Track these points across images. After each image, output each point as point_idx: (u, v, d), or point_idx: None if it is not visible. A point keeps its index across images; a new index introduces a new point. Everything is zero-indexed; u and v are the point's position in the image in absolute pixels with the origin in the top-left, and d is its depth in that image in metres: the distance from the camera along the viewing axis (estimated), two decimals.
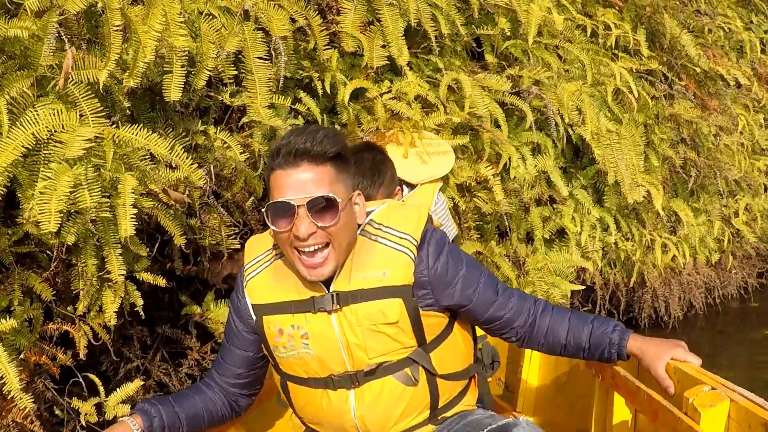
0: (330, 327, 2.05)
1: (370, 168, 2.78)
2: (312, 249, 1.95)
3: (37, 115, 2.34)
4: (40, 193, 2.31)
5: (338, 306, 2.03)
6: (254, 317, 2.15)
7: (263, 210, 2.00)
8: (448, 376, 2.18)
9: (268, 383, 2.43)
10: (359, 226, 2.09)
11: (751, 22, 7.49)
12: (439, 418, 2.20)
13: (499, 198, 4.15)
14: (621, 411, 2.54)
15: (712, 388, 2.01)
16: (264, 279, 2.14)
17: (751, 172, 6.54)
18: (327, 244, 1.97)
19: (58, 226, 2.33)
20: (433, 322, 2.13)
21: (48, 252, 2.83)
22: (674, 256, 5.46)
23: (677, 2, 5.85)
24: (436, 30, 3.86)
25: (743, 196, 6.56)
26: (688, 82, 5.47)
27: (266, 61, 3.15)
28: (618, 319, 5.60)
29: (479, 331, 3.58)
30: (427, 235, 2.10)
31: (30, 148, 2.32)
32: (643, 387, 2.25)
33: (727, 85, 6.01)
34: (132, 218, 2.47)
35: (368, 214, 2.13)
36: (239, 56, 3.13)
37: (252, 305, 2.15)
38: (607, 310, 5.65)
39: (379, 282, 2.03)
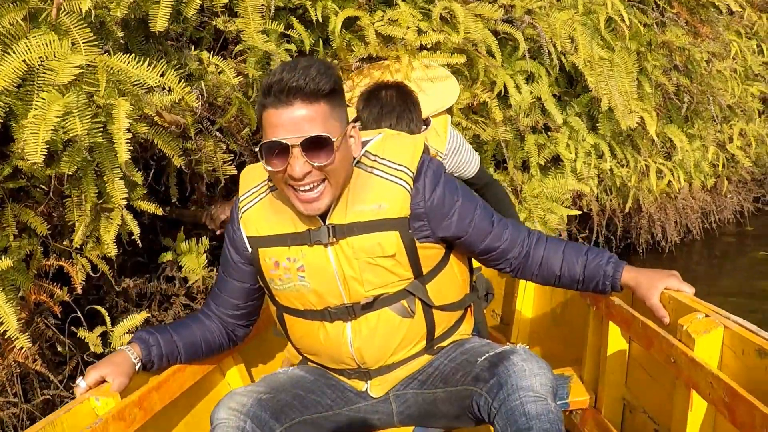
0: (326, 260, 2.03)
1: (403, 100, 2.85)
2: (308, 187, 1.93)
3: (30, 44, 2.36)
4: (32, 123, 2.32)
5: (334, 239, 2.00)
6: (250, 249, 2.13)
7: (257, 149, 1.94)
8: (444, 307, 2.19)
9: (265, 314, 2.43)
10: (355, 159, 2.06)
11: None
12: (435, 347, 2.22)
13: (498, 119, 4.25)
14: (616, 340, 2.53)
15: (706, 316, 2.02)
16: (260, 211, 2.11)
17: (744, 98, 6.57)
18: (323, 180, 1.94)
19: (44, 156, 2.31)
20: (430, 253, 2.12)
21: (42, 187, 2.90)
22: (670, 181, 5.54)
23: None
24: None
25: (737, 122, 6.60)
26: (680, 10, 5.50)
27: None
28: (616, 245, 5.79)
29: (475, 263, 3.70)
30: (424, 166, 2.08)
31: (23, 77, 2.34)
32: (638, 315, 2.26)
33: (719, 11, 6.03)
34: (127, 143, 2.48)
35: (364, 144, 2.11)
36: None
37: (247, 237, 2.12)
38: (604, 236, 5.75)
39: (376, 215, 2.01)
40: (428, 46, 3.79)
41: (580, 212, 5.10)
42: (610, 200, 5.47)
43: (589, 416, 2.61)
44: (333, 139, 1.89)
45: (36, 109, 2.35)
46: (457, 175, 3.25)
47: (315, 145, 1.87)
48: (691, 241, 6.56)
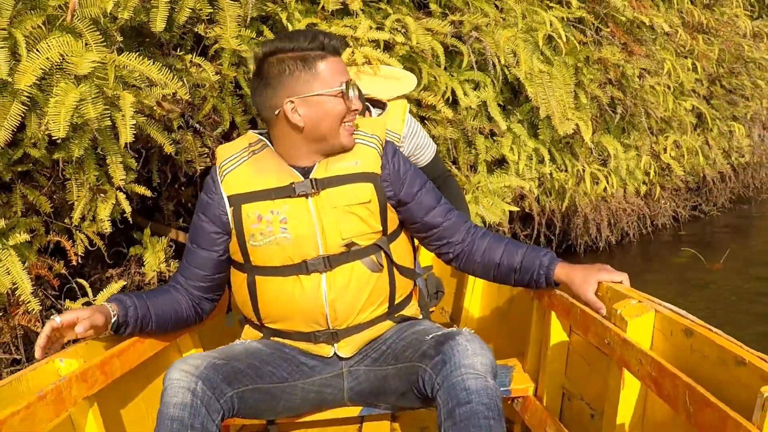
0: (307, 210, 2.18)
1: None
2: (352, 125, 2.26)
3: (50, 44, 2.85)
4: (53, 107, 2.82)
5: (316, 190, 2.17)
6: (229, 210, 2.23)
7: (345, 87, 2.21)
8: (401, 269, 2.32)
9: (221, 304, 2.52)
10: None
11: None
12: (395, 315, 2.34)
13: (449, 116, 4.74)
14: (557, 331, 2.59)
15: (639, 302, 2.10)
16: (243, 171, 2.24)
17: (678, 112, 7.11)
18: None
19: (66, 133, 2.82)
20: (392, 216, 2.31)
21: (45, 172, 3.36)
22: (605, 186, 6.08)
23: None
24: None
25: (672, 134, 7.13)
26: (615, 29, 6.04)
27: (235, 2, 3.69)
28: (556, 244, 6.27)
29: (425, 262, 3.89)
30: (393, 145, 2.37)
31: (45, 71, 2.82)
32: (576, 303, 2.32)
33: (653, 32, 6.60)
34: (132, 127, 2.99)
35: None
36: None
37: (228, 197, 2.23)
38: (545, 235, 6.23)
39: (353, 169, 2.23)
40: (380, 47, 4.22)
41: (520, 209, 5.59)
42: (550, 202, 5.96)
43: (529, 404, 2.67)
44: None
45: (56, 96, 2.84)
46: (413, 161, 3.32)
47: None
48: (628, 242, 7.07)
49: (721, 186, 8.62)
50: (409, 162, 2.37)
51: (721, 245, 7.10)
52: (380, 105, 3.36)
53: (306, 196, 2.18)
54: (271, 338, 2.33)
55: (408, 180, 2.31)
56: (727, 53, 8.19)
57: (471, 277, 3.56)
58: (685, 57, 7.49)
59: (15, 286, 2.97)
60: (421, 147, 3.38)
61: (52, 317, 2.02)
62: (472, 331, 2.06)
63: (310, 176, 2.20)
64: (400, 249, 2.35)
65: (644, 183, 6.84)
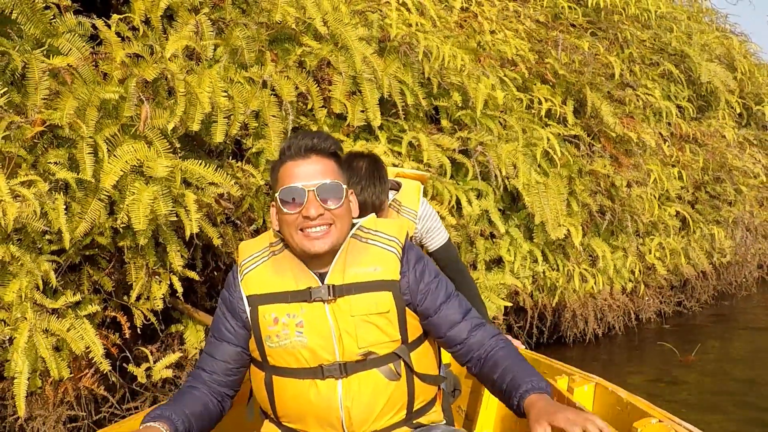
0: (324, 316, 2.12)
1: (372, 172, 2.93)
2: (317, 230, 2.11)
3: (126, 150, 3.51)
4: (129, 205, 3.48)
5: (333, 297, 2.12)
6: (248, 309, 2.20)
7: (276, 196, 2.14)
8: (423, 377, 2.25)
9: (240, 398, 2.44)
10: (353, 218, 2.26)
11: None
12: (413, 422, 2.27)
13: (452, 223, 5.29)
14: None
15: (660, 421, 2.06)
16: (262, 272, 2.22)
17: (663, 216, 7.73)
18: (330, 225, 2.13)
19: (145, 225, 3.47)
20: (414, 323, 2.22)
21: (106, 256, 3.93)
22: (593, 284, 6.65)
23: (603, 77, 7.15)
24: (403, 101, 5.08)
25: (657, 236, 7.75)
26: (606, 144, 6.71)
27: (277, 118, 4.34)
28: (547, 335, 6.80)
29: (443, 359, 4.03)
30: (408, 243, 2.26)
31: (124, 173, 3.47)
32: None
33: (642, 146, 7.26)
34: (197, 220, 3.65)
35: (353, 225, 2.28)
36: (258, 113, 4.30)
37: (247, 297, 2.20)
38: (537, 327, 6.75)
39: (372, 276, 2.15)
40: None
41: (513, 304, 6.13)
42: (542, 297, 6.50)
43: None
44: (344, 186, 2.16)
45: (131, 194, 3.48)
46: (425, 244, 3.41)
47: (328, 190, 2.12)
48: (614, 335, 7.56)
49: (703, 283, 9.15)
50: (434, 271, 2.27)
51: (699, 339, 7.60)
52: (394, 186, 3.33)
53: (323, 301, 2.14)
54: None
55: (431, 292, 2.22)
56: (711, 162, 8.84)
57: None
58: (673, 166, 8.16)
59: (88, 349, 3.51)
60: (434, 230, 3.37)
61: None
62: None
63: (327, 281, 2.15)
64: (424, 357, 2.29)
65: (630, 281, 7.39)
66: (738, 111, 10.73)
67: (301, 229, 2.12)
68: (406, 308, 2.20)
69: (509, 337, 3.06)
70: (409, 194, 3.32)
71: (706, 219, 8.91)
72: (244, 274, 2.23)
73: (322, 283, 2.15)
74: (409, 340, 2.23)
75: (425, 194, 4.99)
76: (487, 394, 3.47)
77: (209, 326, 3.90)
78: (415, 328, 2.24)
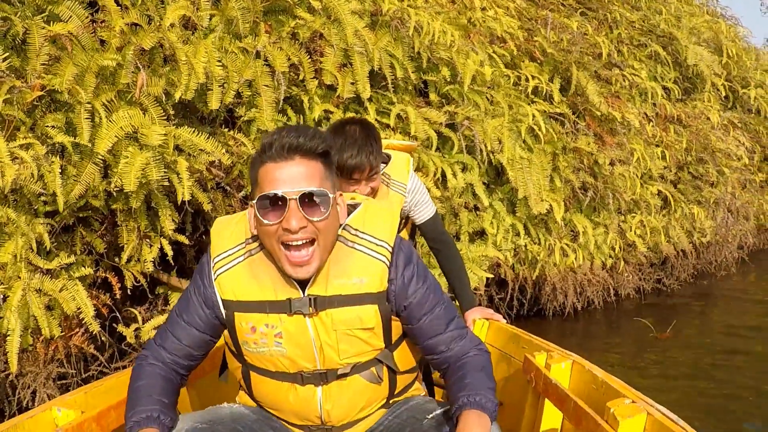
0: (305, 329, 1.99)
1: (366, 135, 2.86)
2: (299, 243, 1.88)
3: (122, 116, 3.63)
4: (122, 168, 3.60)
5: (314, 310, 1.97)
6: (224, 311, 2.05)
7: (252, 203, 1.93)
8: (404, 372, 2.19)
9: (212, 359, 2.40)
10: (340, 225, 2.03)
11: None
12: (390, 402, 2.22)
13: (437, 195, 5.43)
14: (550, 417, 2.57)
15: (632, 401, 2.06)
16: (238, 275, 2.03)
17: (644, 195, 7.91)
18: (313, 241, 1.90)
19: (136, 188, 3.60)
20: (398, 325, 2.11)
21: (99, 218, 4.05)
22: (575, 259, 6.82)
23: (591, 57, 7.27)
24: (392, 74, 5.19)
25: (639, 214, 7.93)
26: (591, 122, 6.86)
27: (269, 87, 4.45)
28: (527, 307, 6.97)
29: None
30: (398, 242, 2.07)
31: (118, 138, 3.59)
32: (571, 395, 2.30)
33: (626, 125, 7.41)
34: (189, 186, 3.78)
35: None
36: (251, 83, 4.42)
37: (223, 300, 2.04)
38: (518, 299, 6.94)
39: (357, 289, 1.99)
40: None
41: (493, 275, 6.30)
42: (523, 270, 6.67)
43: None
44: (330, 195, 1.91)
45: (125, 158, 3.61)
46: (412, 217, 3.35)
47: (312, 200, 1.87)
48: (593, 309, 7.76)
49: (683, 262, 9.34)
50: (422, 275, 2.10)
51: (676, 316, 7.80)
52: (384, 159, 3.25)
53: (304, 315, 1.99)
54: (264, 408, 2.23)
55: (416, 301, 2.06)
56: (694, 143, 9.00)
57: None
58: (656, 145, 8.32)
59: (79, 310, 3.66)
60: (422, 203, 3.30)
61: None
62: None
63: (308, 292, 1.98)
64: (405, 352, 2.20)
65: (610, 257, 7.57)
66: (724, 94, 10.91)
67: (283, 243, 1.90)
68: (391, 317, 2.08)
69: (491, 312, 3.26)
70: (398, 167, 3.24)
71: (688, 199, 9.08)
72: (219, 274, 2.04)
73: (304, 293, 1.98)
74: (392, 342, 2.14)
75: (413, 165, 5.17)
76: None
77: None
78: (398, 329, 2.13)
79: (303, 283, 1.98)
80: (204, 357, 2.18)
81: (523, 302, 7.07)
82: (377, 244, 2.02)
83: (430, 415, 2.02)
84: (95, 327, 3.72)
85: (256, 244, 2.04)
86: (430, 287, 2.10)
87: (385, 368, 2.12)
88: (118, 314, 4.18)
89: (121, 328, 4.10)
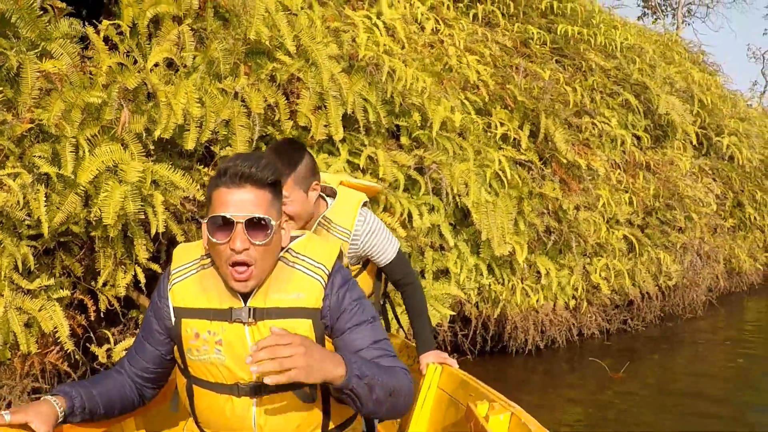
0: (243, 337, 2.13)
1: (286, 153, 2.88)
2: (241, 270, 2.08)
3: (104, 151, 3.91)
4: (102, 201, 3.86)
5: (253, 320, 2.13)
6: (173, 319, 2.22)
7: (204, 222, 2.10)
8: (339, 398, 2.16)
9: (169, 387, 2.51)
10: (282, 248, 2.21)
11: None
12: None
13: (402, 235, 5.68)
14: None
15: None
16: (189, 285, 2.21)
17: (610, 239, 8.21)
18: (251, 265, 2.09)
19: (114, 221, 3.86)
20: (331, 347, 2.21)
21: (78, 243, 4.28)
22: (538, 299, 7.09)
23: (562, 104, 7.59)
24: (365, 117, 5.48)
25: (604, 257, 8.21)
26: (557, 169, 7.16)
27: (245, 127, 4.70)
28: (491, 345, 7.22)
29: None
30: (336, 267, 2.23)
31: (99, 171, 3.86)
32: None
33: (592, 172, 7.72)
34: (163, 219, 4.04)
35: (291, 239, 2.27)
36: (228, 122, 4.67)
37: (174, 307, 2.21)
38: (481, 336, 7.16)
39: (293, 303, 2.14)
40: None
41: (455, 313, 6.54)
42: (487, 308, 6.91)
43: None
44: (273, 222, 2.09)
45: (105, 192, 3.87)
46: (374, 259, 3.31)
47: (257, 225, 2.06)
48: (556, 348, 8.00)
49: (648, 304, 9.60)
50: (357, 294, 2.24)
51: (636, 357, 8.06)
52: (331, 193, 3.24)
53: (243, 323, 2.14)
54: None
55: (345, 313, 2.20)
56: (662, 189, 9.31)
57: (423, 393, 3.49)
58: (624, 191, 8.62)
59: (55, 329, 3.90)
60: (380, 245, 3.24)
61: (2, 413, 2.04)
62: None
63: (249, 303, 2.15)
64: None
65: (573, 298, 7.83)
66: (697, 141, 11.24)
67: (227, 260, 2.09)
68: (325, 336, 2.19)
69: (446, 357, 3.24)
70: (343, 210, 3.18)
71: (655, 243, 9.35)
72: (173, 284, 2.24)
73: (245, 304, 2.15)
74: None
75: (380, 205, 5.34)
76: (418, 409, 3.49)
77: None
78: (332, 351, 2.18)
79: (246, 296, 2.15)
80: (163, 376, 2.39)
81: (486, 339, 7.28)
82: (315, 266, 2.19)
83: None
84: (70, 345, 3.96)
85: (209, 260, 2.23)
86: (363, 306, 2.22)
87: (318, 388, 2.18)
88: (92, 335, 4.41)
89: (94, 348, 4.33)
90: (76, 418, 2.18)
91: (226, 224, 2.05)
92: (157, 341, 2.29)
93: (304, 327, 2.13)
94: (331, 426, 2.27)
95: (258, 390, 2.15)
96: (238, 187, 2.06)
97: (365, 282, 3.51)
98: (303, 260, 2.20)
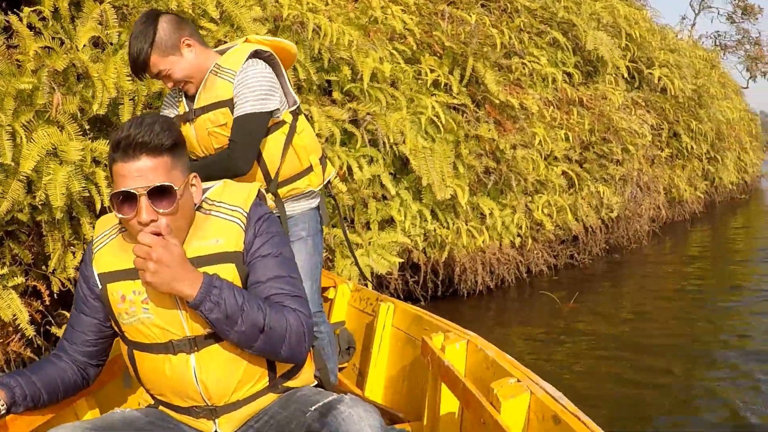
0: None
1: (141, 33, 2.81)
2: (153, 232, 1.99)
3: (42, 135, 3.91)
4: (47, 184, 3.87)
5: None
6: (100, 286, 2.18)
7: (109, 199, 2.09)
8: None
9: (118, 363, 2.47)
10: (196, 204, 2.16)
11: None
12: (281, 386, 2.24)
13: (343, 190, 5.77)
14: (447, 399, 2.59)
15: (518, 381, 2.09)
16: (110, 249, 2.18)
17: (549, 176, 8.38)
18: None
19: (62, 202, 3.86)
20: None
21: (25, 231, 4.29)
22: (484, 240, 7.25)
23: (490, 47, 7.69)
24: (295, 76, 5.52)
25: (546, 194, 8.39)
26: (491, 110, 7.28)
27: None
28: (442, 289, 7.36)
29: (338, 317, 4.10)
30: (254, 206, 2.19)
31: (40, 157, 3.87)
32: (460, 377, 2.33)
33: (526, 111, 7.86)
34: (107, 194, 4.03)
35: (204, 191, 2.22)
36: (161, 93, 4.65)
37: (98, 274, 2.17)
38: (432, 281, 7.29)
39: (213, 249, 2.09)
40: None
41: (404, 260, 6.66)
42: (434, 253, 7.04)
43: None
44: (175, 188, 2.02)
45: (48, 174, 3.88)
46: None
47: (159, 193, 1.99)
48: (506, 287, 8.20)
49: (593, 237, 9.85)
50: (274, 230, 2.21)
51: (585, 288, 8.30)
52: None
53: None
54: (160, 407, 2.29)
55: (257, 241, 2.16)
56: (597, 124, 9.50)
57: (379, 334, 3.57)
58: (559, 128, 8.78)
59: (15, 317, 3.92)
60: (241, 96, 2.91)
61: None
62: (354, 395, 2.01)
63: None
64: None
65: (518, 236, 8.00)
66: (629, 75, 11.46)
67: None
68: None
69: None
70: (235, 55, 2.97)
71: (594, 177, 9.57)
72: (95, 252, 2.20)
73: None
74: None
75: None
76: (375, 350, 3.57)
77: None
78: None
79: None
80: (105, 348, 2.32)
81: (437, 284, 7.41)
82: (232, 209, 2.16)
83: (313, 407, 2.01)
84: (31, 331, 3.97)
85: None
86: (275, 240, 2.18)
87: None
88: (51, 318, 4.43)
89: (54, 329, 4.35)
90: (20, 408, 2.14)
91: (130, 198, 1.99)
92: (93, 308, 2.23)
93: (228, 271, 2.08)
94: (281, 372, 2.22)
95: (193, 343, 2.09)
96: (133, 159, 1.99)
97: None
98: (219, 206, 2.17)
